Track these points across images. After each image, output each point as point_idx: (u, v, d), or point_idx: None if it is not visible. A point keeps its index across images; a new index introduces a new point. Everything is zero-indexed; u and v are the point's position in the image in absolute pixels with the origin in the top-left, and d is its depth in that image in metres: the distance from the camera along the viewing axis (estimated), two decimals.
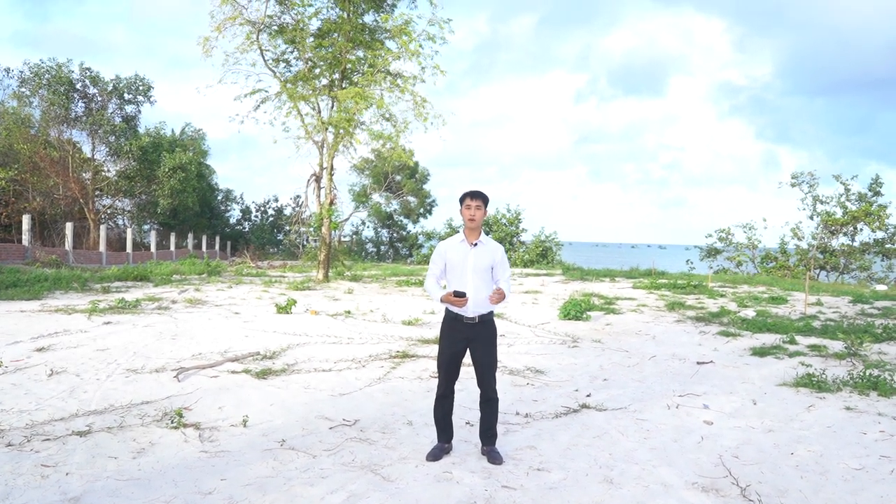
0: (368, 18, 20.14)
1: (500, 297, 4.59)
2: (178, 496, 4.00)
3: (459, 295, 4.57)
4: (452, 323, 4.80)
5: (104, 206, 36.79)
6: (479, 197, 4.74)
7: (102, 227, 28.28)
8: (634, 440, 5.33)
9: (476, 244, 4.77)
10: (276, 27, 19.87)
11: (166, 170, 36.21)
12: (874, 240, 30.72)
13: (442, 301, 4.69)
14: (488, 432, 4.85)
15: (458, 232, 4.94)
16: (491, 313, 4.84)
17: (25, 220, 22.71)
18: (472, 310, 4.72)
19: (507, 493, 4.19)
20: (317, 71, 20.62)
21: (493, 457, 4.74)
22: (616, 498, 4.15)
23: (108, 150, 35.69)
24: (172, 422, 5.35)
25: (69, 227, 25.22)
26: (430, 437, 5.19)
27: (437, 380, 7.08)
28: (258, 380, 6.93)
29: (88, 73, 33.91)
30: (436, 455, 4.79)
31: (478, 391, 4.95)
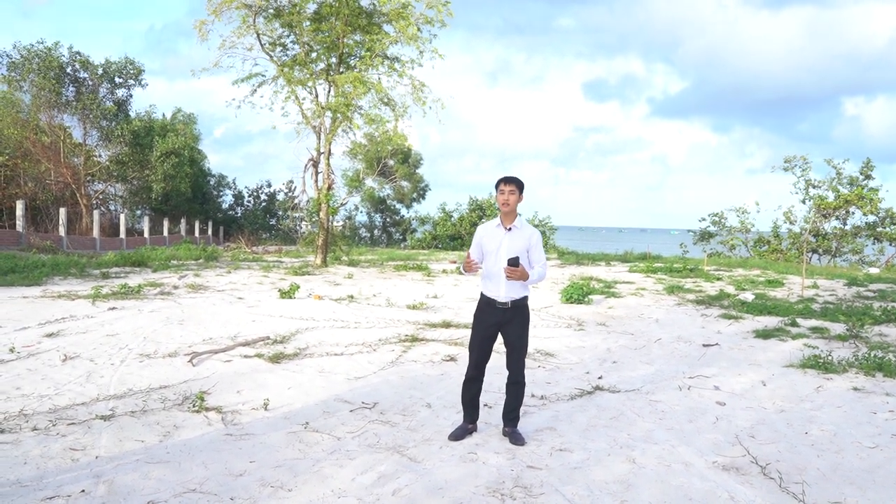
0: (365, 2, 19.96)
1: (521, 274, 4.59)
2: (209, 478, 4.04)
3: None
4: (486, 307, 4.86)
5: (96, 192, 36.50)
6: (513, 182, 4.76)
7: (95, 213, 28.04)
8: (651, 421, 5.42)
9: (511, 229, 4.80)
10: (272, 10, 19.69)
11: (158, 154, 35.94)
12: (865, 223, 30.96)
13: (463, 268, 4.76)
14: (511, 414, 4.92)
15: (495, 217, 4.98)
16: (525, 298, 4.85)
17: (19, 206, 22.47)
18: (505, 294, 4.76)
19: (533, 472, 4.26)
20: (313, 55, 20.48)
21: (515, 438, 4.82)
22: (640, 477, 4.23)
23: (99, 134, 35.30)
24: (194, 405, 5.39)
25: (62, 212, 25.02)
26: (451, 420, 5.26)
27: (450, 363, 7.19)
28: (272, 364, 6.98)
29: (78, 57, 33.52)
30: (458, 435, 4.86)
31: (495, 374, 5.01)
